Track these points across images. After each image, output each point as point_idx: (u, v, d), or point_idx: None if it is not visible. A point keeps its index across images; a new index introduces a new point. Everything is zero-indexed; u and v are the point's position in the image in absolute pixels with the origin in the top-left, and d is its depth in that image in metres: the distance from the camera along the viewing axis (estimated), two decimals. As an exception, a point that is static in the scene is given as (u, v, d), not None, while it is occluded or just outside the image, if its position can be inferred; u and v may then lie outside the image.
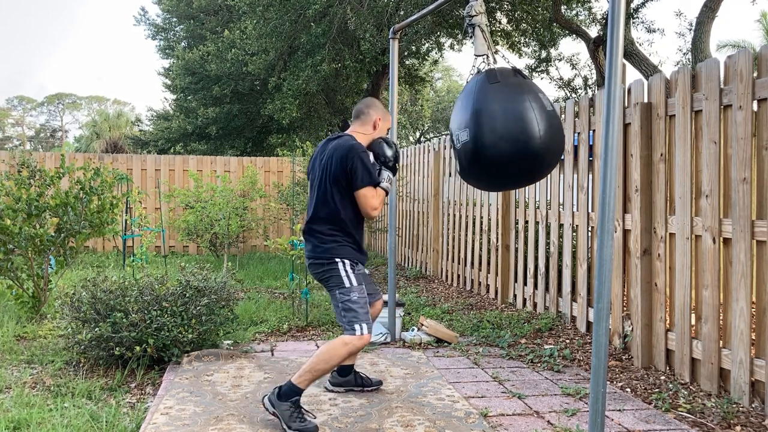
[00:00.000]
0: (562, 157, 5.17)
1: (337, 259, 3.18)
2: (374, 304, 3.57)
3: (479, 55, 3.31)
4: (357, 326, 3.09)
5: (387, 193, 3.27)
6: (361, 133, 3.33)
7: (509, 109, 2.94)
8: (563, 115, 5.21)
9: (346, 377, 3.56)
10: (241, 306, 5.65)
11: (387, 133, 3.44)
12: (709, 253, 3.54)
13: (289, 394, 2.99)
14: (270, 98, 13.86)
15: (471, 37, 3.41)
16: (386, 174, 3.25)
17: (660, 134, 3.97)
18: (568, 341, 4.62)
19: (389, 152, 3.27)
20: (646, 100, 4.13)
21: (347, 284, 3.16)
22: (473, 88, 3.10)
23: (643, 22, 11.37)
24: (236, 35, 13.66)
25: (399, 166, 3.31)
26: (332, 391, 3.58)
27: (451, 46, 14.45)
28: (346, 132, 3.35)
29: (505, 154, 2.94)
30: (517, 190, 5.99)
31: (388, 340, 4.70)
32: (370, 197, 3.15)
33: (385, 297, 4.86)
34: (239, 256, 9.71)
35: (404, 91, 19.66)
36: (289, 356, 4.25)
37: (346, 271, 3.18)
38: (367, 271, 3.46)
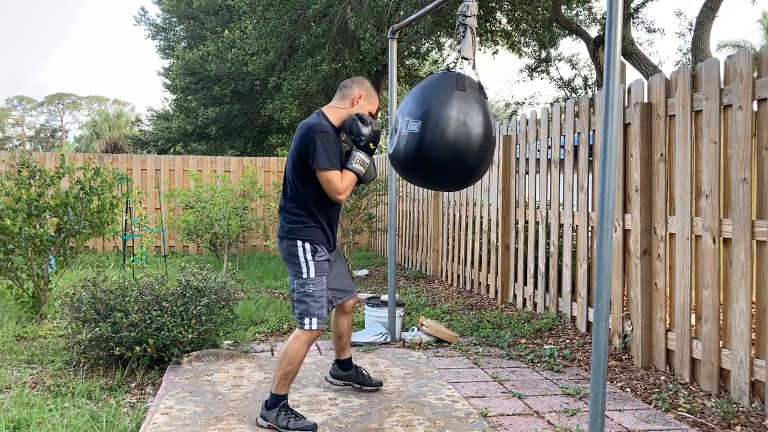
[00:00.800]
0: (562, 157, 5.18)
1: (299, 241, 3.05)
2: (346, 303, 3.42)
3: (465, 58, 3.29)
4: (306, 319, 3.03)
5: (359, 177, 3.08)
6: (337, 107, 3.17)
7: (463, 122, 2.98)
8: (563, 115, 5.21)
9: (347, 371, 3.55)
10: (241, 306, 5.65)
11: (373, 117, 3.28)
12: (709, 253, 3.54)
13: (275, 403, 3.01)
14: (270, 98, 13.87)
15: (461, 35, 3.39)
16: (358, 155, 3.04)
17: (660, 134, 3.97)
18: (568, 341, 4.62)
19: (364, 130, 3.03)
20: (646, 100, 4.13)
21: (305, 275, 3.04)
22: (438, 87, 3.07)
23: (643, 22, 11.37)
24: (236, 35, 13.67)
25: (376, 146, 3.11)
26: (332, 384, 3.59)
27: (451, 46, 14.45)
28: (319, 108, 3.21)
29: (444, 159, 2.97)
30: (517, 190, 6.00)
31: (388, 340, 4.70)
32: (333, 180, 2.99)
33: (385, 297, 4.86)
34: (239, 256, 9.71)
35: (404, 91, 19.66)
36: (289, 356, 4.25)
37: (305, 258, 3.04)
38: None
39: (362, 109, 3.18)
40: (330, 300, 3.26)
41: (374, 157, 3.21)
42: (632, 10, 10.93)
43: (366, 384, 3.54)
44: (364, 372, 3.57)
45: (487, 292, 6.43)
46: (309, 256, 3.05)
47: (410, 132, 2.99)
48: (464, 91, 3.03)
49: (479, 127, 3.00)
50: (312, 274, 3.04)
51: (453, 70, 3.14)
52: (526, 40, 13.73)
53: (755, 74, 3.27)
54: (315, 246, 3.06)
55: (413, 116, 3.01)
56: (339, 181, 3.01)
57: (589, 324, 4.74)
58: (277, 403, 2.99)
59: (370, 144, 3.06)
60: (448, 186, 3.18)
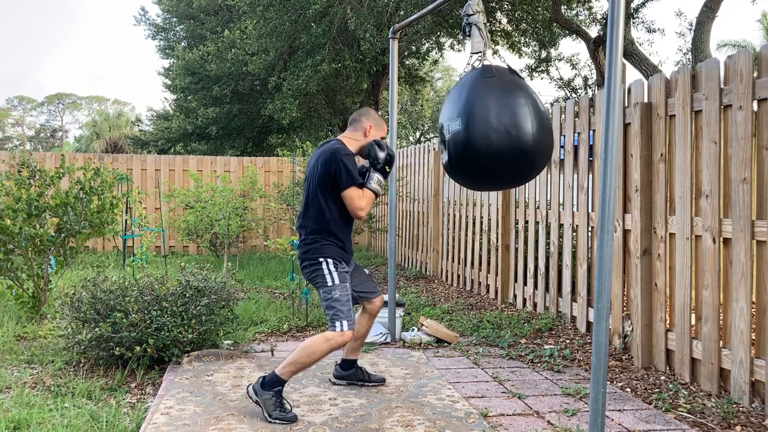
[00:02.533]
0: (562, 157, 5.18)
1: (320, 258, 3.30)
2: (372, 302, 3.67)
3: (475, 53, 3.32)
4: (338, 323, 3.20)
5: (376, 195, 3.35)
6: (350, 138, 3.46)
7: (504, 102, 2.92)
8: (563, 115, 5.21)
9: (349, 371, 3.66)
10: (241, 306, 5.65)
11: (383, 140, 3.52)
12: (709, 253, 3.54)
13: (272, 383, 3.13)
14: (270, 98, 13.86)
15: (468, 36, 3.41)
16: (375, 176, 3.33)
17: (660, 134, 3.97)
18: (568, 341, 4.62)
19: (380, 154, 3.33)
20: (646, 100, 4.13)
21: (330, 283, 3.28)
22: (467, 82, 3.07)
23: (643, 22, 11.36)
24: (236, 35, 13.66)
25: (391, 168, 3.40)
26: (336, 384, 3.67)
27: (451, 46, 14.45)
28: (335, 137, 3.48)
29: (496, 146, 2.89)
30: (517, 190, 5.99)
31: (388, 340, 4.70)
32: (355, 198, 3.27)
33: (386, 297, 4.86)
34: (239, 256, 9.71)
35: (404, 91, 19.66)
36: (289, 356, 4.25)
37: (329, 270, 3.29)
38: (367, 271, 3.51)
39: (374, 137, 3.47)
40: (355, 298, 3.53)
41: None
42: (632, 10, 10.93)
43: (367, 380, 3.65)
44: (365, 370, 3.69)
45: (487, 292, 6.43)
46: (332, 269, 3.31)
47: (454, 133, 3.00)
48: (494, 77, 3.00)
49: (522, 105, 2.91)
50: (336, 281, 3.29)
51: (476, 67, 3.19)
52: (526, 40, 13.73)
53: (755, 74, 3.27)
54: (336, 261, 3.33)
55: (452, 118, 3.02)
56: (361, 199, 3.30)
57: (589, 324, 4.74)
58: (274, 386, 3.13)
59: (386, 167, 3.36)
60: (510, 175, 3.02)
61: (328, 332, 3.20)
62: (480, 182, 3.13)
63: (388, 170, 3.37)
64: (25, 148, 45.10)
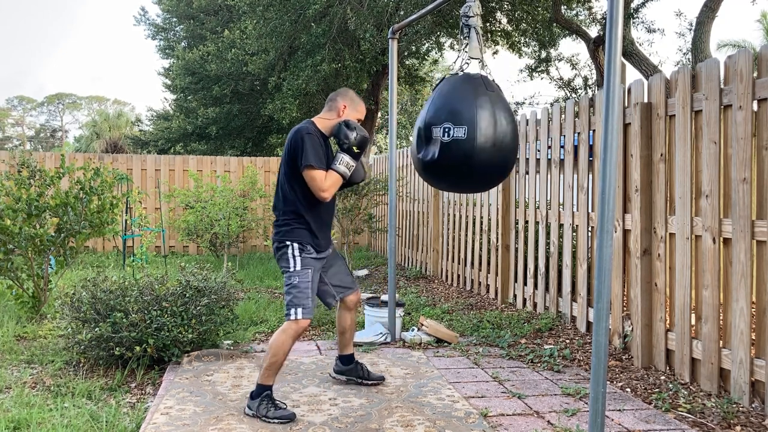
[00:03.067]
0: (562, 157, 5.18)
1: (287, 242, 3.27)
2: (347, 297, 3.58)
3: (474, 59, 3.34)
4: (292, 310, 3.20)
5: (343, 177, 3.26)
6: (324, 118, 3.40)
7: (506, 122, 3.19)
8: (563, 115, 5.21)
9: (348, 366, 3.67)
10: (241, 306, 5.65)
11: (362, 124, 3.47)
12: (709, 253, 3.54)
13: (259, 393, 3.15)
14: (270, 98, 13.86)
15: (466, 36, 3.42)
16: (342, 156, 3.24)
17: (660, 134, 3.97)
18: (568, 341, 4.62)
19: (350, 134, 3.23)
20: (646, 100, 4.13)
21: (291, 268, 3.25)
22: (467, 88, 3.21)
23: (643, 22, 11.36)
24: (236, 35, 13.66)
25: (362, 150, 3.30)
26: (335, 379, 3.70)
27: (451, 46, 14.44)
28: (309, 119, 3.42)
29: (493, 162, 3.17)
30: (517, 190, 6.00)
31: (388, 340, 4.70)
32: (316, 178, 3.19)
33: (385, 297, 4.86)
34: (239, 256, 9.71)
35: (404, 91, 19.66)
36: (290, 356, 4.25)
37: (293, 255, 3.26)
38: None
39: (349, 116, 3.40)
40: (333, 295, 3.51)
41: (368, 159, 3.36)
42: (632, 10, 10.92)
43: (366, 378, 3.65)
44: (365, 367, 3.68)
45: (487, 292, 6.43)
46: (296, 253, 3.26)
47: (455, 139, 3.12)
48: (494, 92, 3.22)
49: (511, 123, 3.22)
50: (298, 267, 3.25)
51: (466, 71, 3.31)
52: (526, 40, 13.72)
53: (755, 74, 3.27)
54: (302, 245, 3.27)
55: (454, 122, 3.13)
56: (323, 180, 3.20)
57: (589, 324, 4.74)
58: (261, 392, 3.15)
59: (355, 147, 3.25)
60: (487, 186, 3.33)
61: (284, 323, 3.22)
62: (453, 185, 3.34)
63: (357, 151, 3.26)
64: (25, 148, 45.10)
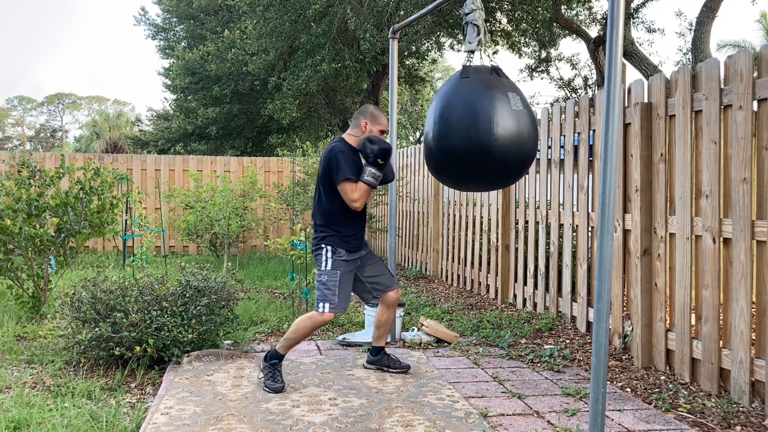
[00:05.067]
0: (562, 157, 5.18)
1: (323, 245, 3.66)
2: (387, 294, 3.89)
3: (468, 51, 3.34)
4: (321, 304, 3.59)
5: (371, 187, 3.57)
6: (351, 135, 3.74)
7: (468, 102, 2.98)
8: (563, 115, 5.21)
9: (376, 356, 3.96)
10: (241, 306, 5.65)
11: (382, 136, 3.75)
12: (709, 253, 3.54)
13: (272, 357, 3.61)
14: (270, 98, 13.87)
15: (467, 32, 3.41)
16: (368, 169, 3.55)
17: (660, 134, 3.97)
18: (568, 341, 4.62)
19: (372, 148, 3.53)
20: (646, 100, 4.13)
21: (323, 267, 3.64)
22: (447, 83, 3.24)
23: (643, 22, 11.37)
24: (236, 35, 13.66)
25: (385, 160, 3.62)
26: (368, 368, 3.98)
27: (451, 46, 14.45)
28: (339, 136, 3.77)
29: (457, 145, 2.99)
30: (517, 190, 6.00)
31: (389, 340, 4.70)
32: (348, 191, 3.55)
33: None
34: (239, 256, 9.71)
35: (404, 91, 19.66)
36: (289, 356, 4.25)
37: (326, 256, 3.64)
38: (385, 263, 3.94)
39: (373, 131, 3.71)
40: (369, 291, 3.87)
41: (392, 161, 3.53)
42: (632, 10, 10.93)
43: (392, 366, 3.90)
44: (392, 356, 3.96)
45: (487, 292, 6.42)
46: (329, 255, 3.64)
47: (424, 135, 3.24)
48: (468, 78, 3.10)
49: (488, 106, 2.94)
50: (328, 267, 3.62)
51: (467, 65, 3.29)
52: (526, 40, 13.73)
53: (755, 74, 3.27)
54: (335, 248, 3.64)
55: (430, 122, 3.19)
56: (354, 191, 3.56)
57: (589, 324, 4.74)
58: (273, 358, 3.60)
59: (379, 159, 3.56)
60: (480, 177, 3.09)
61: (312, 312, 3.62)
62: (449, 182, 3.26)
63: (381, 162, 3.57)
64: (25, 148, 45.11)
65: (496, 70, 3.18)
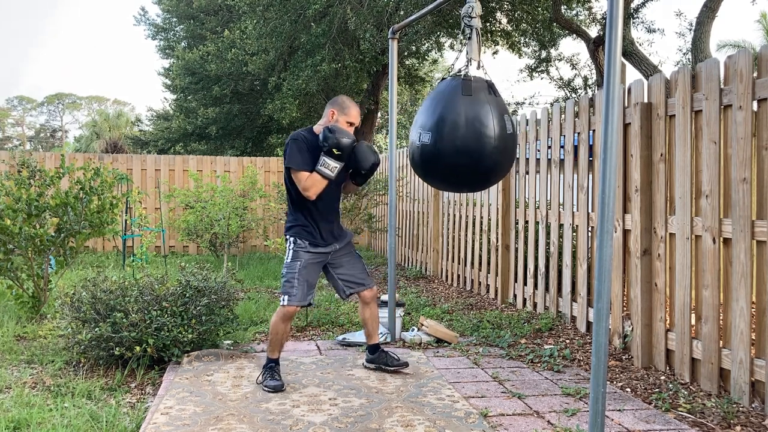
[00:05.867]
0: (562, 157, 5.18)
1: (286, 236, 3.69)
2: (361, 294, 3.85)
3: (471, 59, 3.35)
4: (283, 296, 3.60)
5: (326, 178, 3.51)
6: (320, 124, 3.71)
7: (472, 126, 3.13)
8: (563, 115, 5.21)
9: (374, 355, 3.95)
10: (241, 306, 5.65)
11: (350, 128, 3.66)
12: (709, 253, 3.54)
13: (266, 363, 3.66)
14: (270, 98, 13.86)
15: (468, 37, 3.42)
16: (323, 159, 3.50)
17: (660, 134, 3.97)
18: (568, 341, 4.62)
19: (329, 137, 3.47)
20: (646, 100, 4.13)
21: (287, 258, 3.65)
22: (445, 92, 3.22)
23: (643, 22, 11.36)
24: (236, 35, 13.66)
25: (341, 150, 3.51)
26: (368, 368, 3.97)
27: (451, 46, 14.44)
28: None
29: (460, 166, 3.16)
30: (517, 190, 6.00)
31: (388, 340, 4.70)
32: (301, 180, 3.53)
33: (385, 297, 4.86)
34: (239, 256, 9.71)
35: (404, 91, 19.66)
36: (289, 356, 4.25)
37: (289, 247, 3.65)
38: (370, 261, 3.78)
39: (339, 122, 3.65)
40: (342, 289, 3.82)
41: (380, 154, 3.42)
42: (632, 10, 10.92)
43: (388, 364, 3.87)
44: (390, 354, 3.93)
45: (487, 292, 6.42)
46: (291, 245, 3.65)
47: (423, 144, 3.22)
48: (471, 95, 3.16)
49: (490, 128, 3.13)
50: (289, 259, 3.64)
51: (463, 73, 3.29)
52: (526, 40, 13.72)
53: (755, 74, 3.27)
54: (297, 239, 3.63)
55: (425, 128, 3.21)
56: (305, 180, 3.51)
57: (589, 324, 4.74)
58: (267, 363, 3.65)
59: (334, 150, 3.48)
60: (471, 187, 3.38)
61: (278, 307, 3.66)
62: (438, 185, 3.43)
63: (336, 153, 3.49)
64: (25, 148, 45.11)
65: (491, 87, 3.27)
